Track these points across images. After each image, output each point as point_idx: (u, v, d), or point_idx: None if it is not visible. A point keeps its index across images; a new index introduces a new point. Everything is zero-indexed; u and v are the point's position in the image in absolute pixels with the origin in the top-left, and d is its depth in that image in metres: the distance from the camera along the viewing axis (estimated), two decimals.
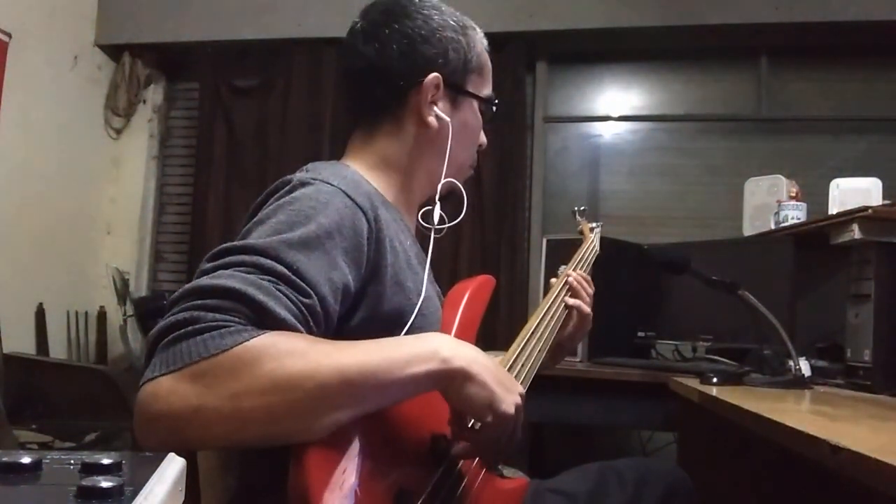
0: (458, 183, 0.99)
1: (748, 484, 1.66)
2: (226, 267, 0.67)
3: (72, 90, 3.17)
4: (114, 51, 3.36)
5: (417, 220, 1.00)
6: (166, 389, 0.60)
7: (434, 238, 0.95)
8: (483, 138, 1.05)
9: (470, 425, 0.77)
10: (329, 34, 3.11)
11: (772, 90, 3.01)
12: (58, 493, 0.35)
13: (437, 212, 0.94)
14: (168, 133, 3.50)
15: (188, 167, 3.42)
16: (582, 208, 1.52)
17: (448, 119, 0.94)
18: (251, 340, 0.61)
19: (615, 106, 3.18)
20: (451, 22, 0.96)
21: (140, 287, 3.34)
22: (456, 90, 0.96)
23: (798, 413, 1.16)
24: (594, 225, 1.49)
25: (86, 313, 3.19)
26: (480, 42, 1.00)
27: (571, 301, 1.15)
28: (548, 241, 2.30)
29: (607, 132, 3.19)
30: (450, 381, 0.70)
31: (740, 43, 3.00)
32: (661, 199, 3.05)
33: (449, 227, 0.97)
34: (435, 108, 0.94)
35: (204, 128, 3.31)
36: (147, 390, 0.61)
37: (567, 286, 1.17)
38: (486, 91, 1.01)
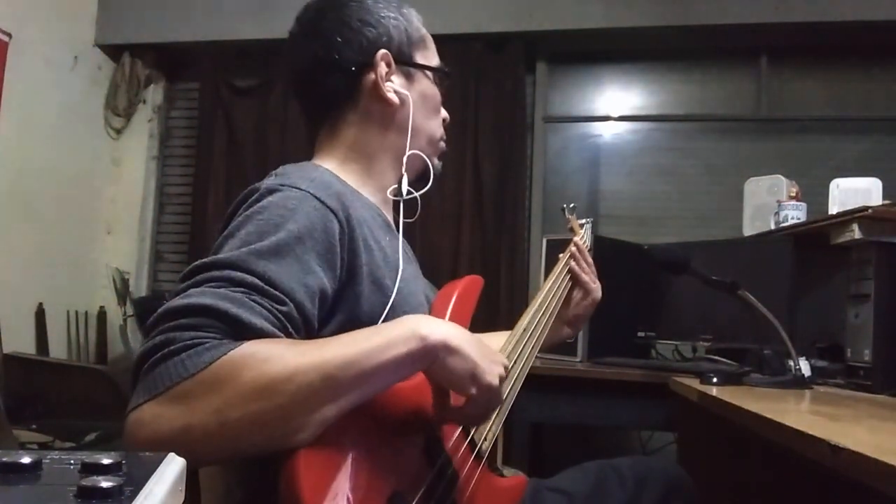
0: (424, 156, 0.98)
1: (748, 484, 1.66)
2: (197, 285, 0.67)
3: (72, 90, 3.17)
4: (114, 51, 3.36)
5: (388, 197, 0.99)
6: (151, 415, 0.60)
7: (403, 210, 0.94)
8: (444, 112, 1.04)
9: (454, 403, 0.77)
10: None
11: (772, 90, 3.01)
12: (58, 493, 0.35)
13: (405, 184, 0.94)
14: (168, 133, 3.50)
15: (188, 167, 3.42)
16: (571, 205, 1.53)
17: (407, 93, 0.95)
18: (229, 353, 0.61)
19: (615, 106, 3.18)
20: (382, 3, 0.98)
21: (140, 287, 3.34)
22: (406, 64, 0.97)
23: (798, 413, 1.16)
24: (584, 221, 1.50)
25: (86, 313, 3.19)
26: (416, 17, 1.01)
27: (574, 266, 1.26)
28: (548, 241, 2.30)
29: (607, 132, 3.19)
30: (432, 358, 0.70)
31: (740, 43, 3.00)
32: (661, 199, 3.05)
33: (417, 196, 0.96)
34: (392, 84, 0.95)
35: (204, 128, 3.31)
36: (132, 419, 0.60)
37: (569, 256, 1.26)
38: (435, 61, 1.02)
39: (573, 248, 1.27)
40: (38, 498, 0.36)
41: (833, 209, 1.95)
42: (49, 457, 0.40)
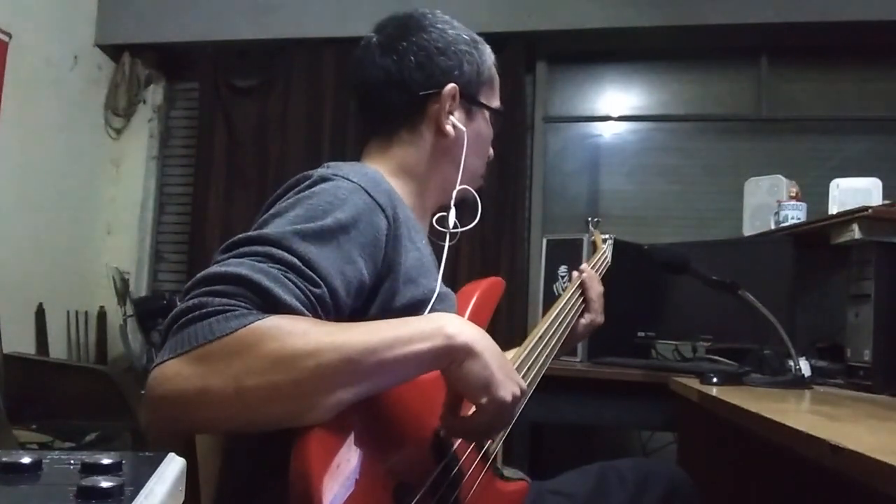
0: (472, 190, 1.01)
1: (748, 484, 1.66)
2: (238, 256, 0.69)
3: (72, 90, 3.17)
4: (114, 51, 3.36)
5: (432, 224, 1.03)
6: (173, 371, 0.62)
7: (448, 244, 0.96)
8: (490, 150, 1.07)
9: (463, 413, 0.76)
10: (329, 34, 3.11)
11: (772, 90, 3.01)
12: (58, 493, 0.35)
13: (452, 217, 0.96)
14: (168, 133, 3.50)
15: (188, 167, 3.41)
16: (596, 219, 1.54)
17: (464, 128, 0.97)
18: (255, 323, 0.62)
19: (615, 106, 3.18)
20: (464, 36, 1.00)
21: (140, 287, 3.34)
22: (470, 101, 0.99)
23: (798, 413, 1.16)
24: (607, 236, 1.50)
25: (86, 313, 3.19)
26: (489, 56, 1.04)
27: (587, 291, 1.23)
28: (548, 241, 2.30)
29: (607, 132, 3.19)
30: (453, 358, 0.70)
31: (740, 43, 3.00)
32: (661, 199, 3.05)
33: (462, 232, 0.99)
34: (451, 118, 0.96)
35: (204, 128, 3.31)
36: (155, 374, 0.62)
37: (580, 285, 1.23)
38: (496, 103, 1.04)
39: (585, 276, 1.24)
40: (38, 498, 0.36)
41: (833, 209, 1.95)
42: (49, 457, 0.40)
